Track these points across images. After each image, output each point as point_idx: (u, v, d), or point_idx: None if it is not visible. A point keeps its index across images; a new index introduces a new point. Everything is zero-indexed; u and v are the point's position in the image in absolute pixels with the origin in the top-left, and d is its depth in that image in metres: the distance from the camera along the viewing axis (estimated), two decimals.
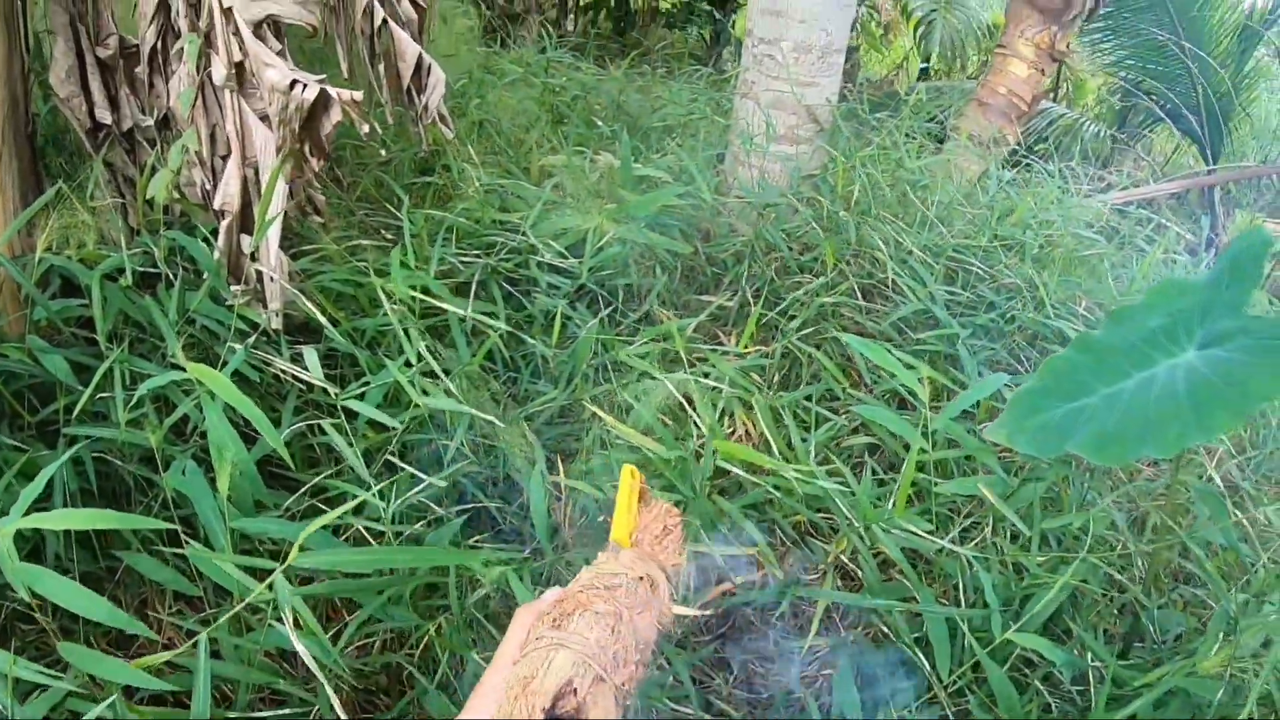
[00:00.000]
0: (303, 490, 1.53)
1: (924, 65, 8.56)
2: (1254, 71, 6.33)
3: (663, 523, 0.94)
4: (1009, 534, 1.60)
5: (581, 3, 8.36)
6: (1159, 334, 1.22)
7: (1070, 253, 2.74)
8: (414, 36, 2.19)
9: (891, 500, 1.44)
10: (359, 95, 1.62)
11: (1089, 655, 1.34)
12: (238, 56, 1.77)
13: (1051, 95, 6.22)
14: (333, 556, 1.26)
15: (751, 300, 2.21)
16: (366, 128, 1.66)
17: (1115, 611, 1.69)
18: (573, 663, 0.71)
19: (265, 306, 1.86)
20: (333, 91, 1.60)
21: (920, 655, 1.33)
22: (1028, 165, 3.52)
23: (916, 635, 1.43)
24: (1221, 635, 1.33)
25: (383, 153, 2.63)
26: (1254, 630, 1.28)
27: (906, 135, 2.91)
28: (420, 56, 2.09)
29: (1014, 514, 1.44)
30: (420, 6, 2.22)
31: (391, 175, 2.69)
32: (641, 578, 0.84)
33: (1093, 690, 1.28)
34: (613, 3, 8.12)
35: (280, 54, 1.80)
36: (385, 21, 2.03)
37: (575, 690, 0.70)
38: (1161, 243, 2.73)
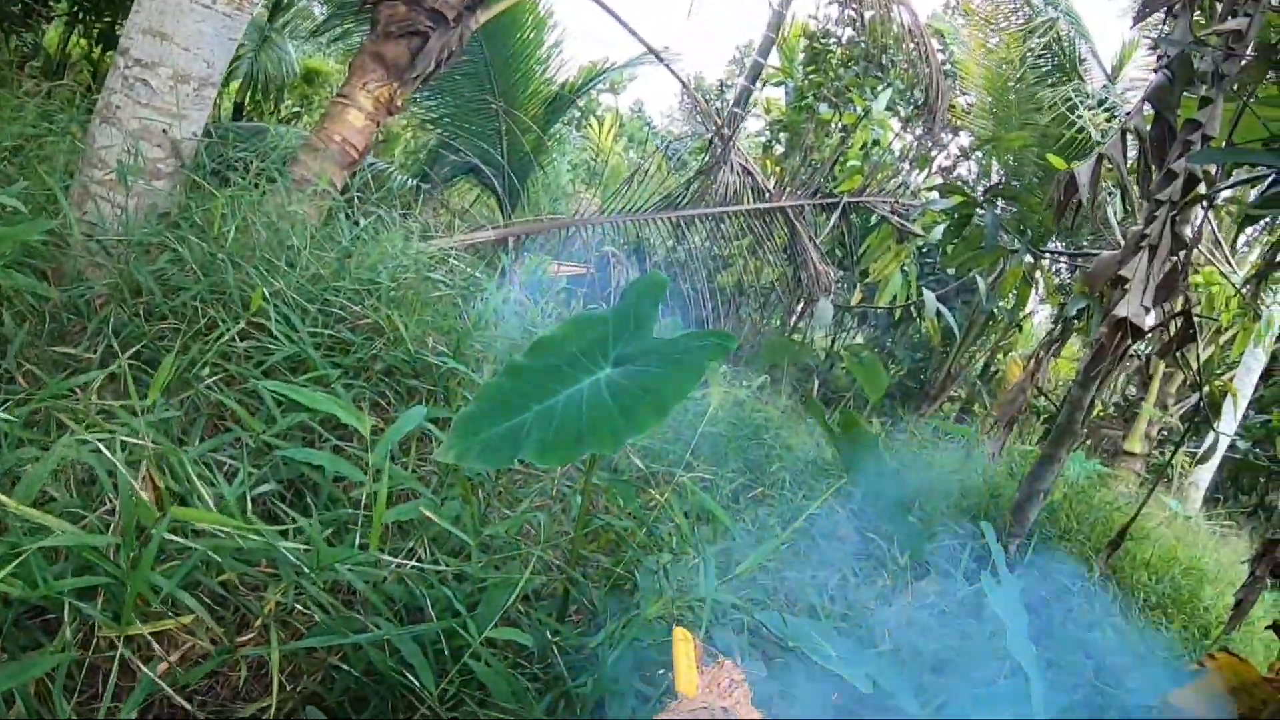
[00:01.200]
0: None
1: (237, 104, 8.41)
2: (555, 137, 7.69)
3: (729, 678, 1.06)
4: (449, 550, 1.77)
5: None
6: (579, 356, 1.53)
7: (418, 294, 3.04)
8: None
9: (358, 538, 1.49)
10: None
11: (547, 631, 1.58)
12: None
13: None
14: None
15: (120, 350, 1.97)
16: None
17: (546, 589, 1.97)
18: None
19: None
20: None
21: (409, 677, 1.40)
22: (363, 212, 3.73)
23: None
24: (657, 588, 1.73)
25: None
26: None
27: (268, 178, 2.89)
28: None
29: (457, 529, 1.61)
30: None
31: None
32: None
33: (558, 657, 1.52)
34: None
35: None
36: None
37: None
38: (491, 282, 3.22)
